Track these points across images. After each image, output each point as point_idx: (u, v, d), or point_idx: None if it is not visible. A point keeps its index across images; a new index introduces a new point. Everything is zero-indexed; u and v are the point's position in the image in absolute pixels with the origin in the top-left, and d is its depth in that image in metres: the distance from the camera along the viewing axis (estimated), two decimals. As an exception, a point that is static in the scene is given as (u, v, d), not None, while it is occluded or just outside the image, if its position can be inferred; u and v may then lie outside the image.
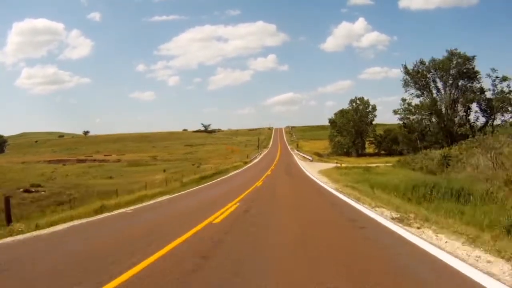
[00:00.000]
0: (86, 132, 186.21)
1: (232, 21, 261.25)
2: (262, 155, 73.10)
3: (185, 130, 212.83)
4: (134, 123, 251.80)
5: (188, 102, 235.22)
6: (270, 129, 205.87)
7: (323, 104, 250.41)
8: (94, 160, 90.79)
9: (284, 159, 53.09)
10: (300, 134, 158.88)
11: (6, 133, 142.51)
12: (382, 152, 75.49)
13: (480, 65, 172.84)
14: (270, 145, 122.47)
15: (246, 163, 51.53)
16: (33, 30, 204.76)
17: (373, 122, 75.61)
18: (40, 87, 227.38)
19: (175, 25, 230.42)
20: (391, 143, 73.33)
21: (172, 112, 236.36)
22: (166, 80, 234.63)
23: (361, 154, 72.05)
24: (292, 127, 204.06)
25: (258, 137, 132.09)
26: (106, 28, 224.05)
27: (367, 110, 73.76)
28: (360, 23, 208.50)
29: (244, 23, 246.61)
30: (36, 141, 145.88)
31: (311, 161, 46.17)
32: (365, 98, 74.40)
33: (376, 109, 74.27)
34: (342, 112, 76.52)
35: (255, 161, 56.12)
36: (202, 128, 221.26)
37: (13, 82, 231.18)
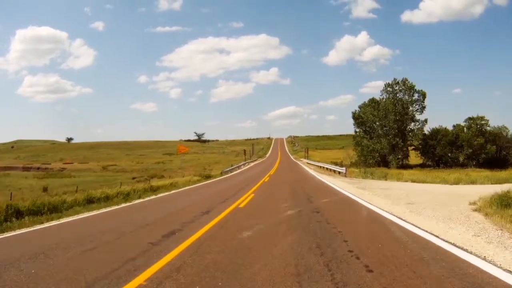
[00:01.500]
0: (69, 139, 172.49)
1: (235, 33, 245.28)
2: (252, 165, 47.59)
3: (181, 140, 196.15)
4: (134, 134, 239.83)
5: (189, 114, 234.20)
6: (269, 139, 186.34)
7: (324, 118, 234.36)
8: (38, 168, 79.04)
9: (287, 173, 27.46)
10: (304, 144, 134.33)
11: (2, 140, 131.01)
12: (429, 162, 49.82)
13: (485, 79, 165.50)
14: (268, 155, 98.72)
15: (207, 177, 25.75)
16: (36, 38, 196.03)
17: (419, 118, 49.29)
18: (42, 96, 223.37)
19: (178, 37, 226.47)
20: (450, 148, 47.36)
21: (173, 125, 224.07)
22: (168, 92, 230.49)
23: (403, 165, 46.11)
24: (295, 136, 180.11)
25: (252, 145, 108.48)
26: (109, 37, 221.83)
27: (413, 98, 47.78)
28: (363, 37, 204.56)
29: (247, 36, 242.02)
30: (12, 147, 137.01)
31: (345, 175, 20.75)
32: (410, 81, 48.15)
33: (426, 96, 48.07)
34: (373, 102, 50.41)
35: (231, 174, 30.48)
36: (196, 137, 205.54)
37: (14, 90, 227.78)
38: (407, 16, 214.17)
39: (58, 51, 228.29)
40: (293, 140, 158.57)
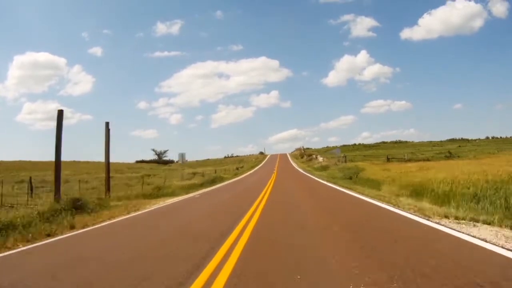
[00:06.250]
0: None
1: (235, 57, 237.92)
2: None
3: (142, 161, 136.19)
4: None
5: (190, 140, 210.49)
6: (262, 154, 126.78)
7: (326, 140, 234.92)
8: None
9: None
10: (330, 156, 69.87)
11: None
12: None
13: (486, 90, 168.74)
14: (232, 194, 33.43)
15: None
16: (34, 64, 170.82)
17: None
18: (42, 123, 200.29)
19: (176, 61, 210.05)
20: None
21: (174, 151, 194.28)
22: (168, 118, 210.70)
23: None
24: (306, 148, 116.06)
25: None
26: (107, 63, 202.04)
27: None
28: (362, 56, 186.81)
29: (246, 59, 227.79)
30: None
31: None
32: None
33: None
34: None
35: None
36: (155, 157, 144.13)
37: (13, 117, 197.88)
38: (407, 33, 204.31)
39: (57, 77, 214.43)
40: (304, 153, 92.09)
